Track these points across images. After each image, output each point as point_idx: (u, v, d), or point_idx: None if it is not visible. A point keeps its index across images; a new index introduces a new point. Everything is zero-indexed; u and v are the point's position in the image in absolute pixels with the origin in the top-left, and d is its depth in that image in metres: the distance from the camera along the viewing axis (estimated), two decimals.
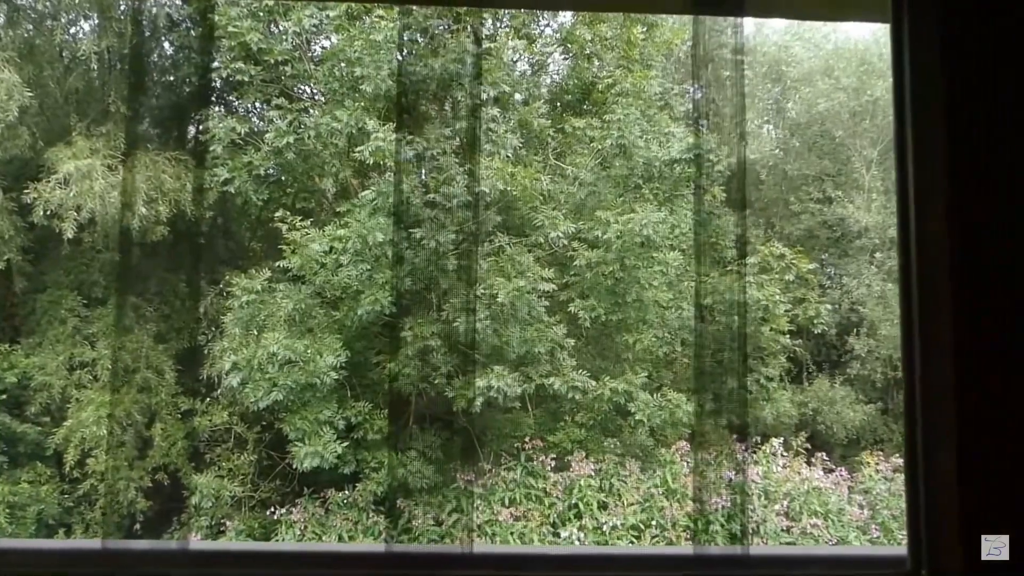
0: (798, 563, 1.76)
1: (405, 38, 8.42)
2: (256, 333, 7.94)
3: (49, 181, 8.20)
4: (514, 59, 9.49)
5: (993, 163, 1.55)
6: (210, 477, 8.02)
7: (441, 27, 8.61)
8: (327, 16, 8.43)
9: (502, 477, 7.96)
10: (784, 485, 7.99)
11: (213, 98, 9.75)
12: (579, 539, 7.38)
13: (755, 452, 8.38)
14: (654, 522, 7.54)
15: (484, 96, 8.34)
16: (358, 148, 7.89)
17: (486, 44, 8.71)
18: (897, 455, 8.64)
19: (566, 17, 9.68)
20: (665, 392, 8.15)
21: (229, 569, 1.64)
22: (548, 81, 10.26)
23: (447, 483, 8.03)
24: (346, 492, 7.88)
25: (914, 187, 1.59)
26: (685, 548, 7.17)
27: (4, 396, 8.54)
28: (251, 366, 7.63)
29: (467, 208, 8.05)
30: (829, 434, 10.10)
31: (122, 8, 9.29)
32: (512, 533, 7.46)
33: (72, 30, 9.47)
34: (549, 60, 10.10)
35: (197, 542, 7.35)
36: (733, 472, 7.80)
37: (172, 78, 10.01)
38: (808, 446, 8.67)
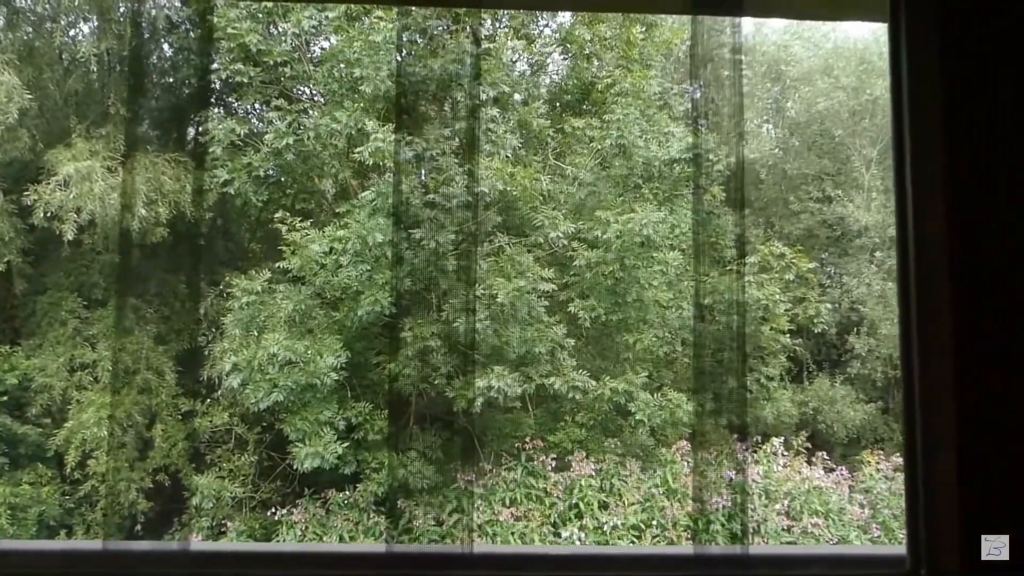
0: (798, 562, 1.76)
1: (404, 39, 8.42)
2: (256, 334, 7.94)
3: (49, 183, 8.20)
4: (513, 59, 9.49)
5: (992, 163, 1.55)
6: (211, 478, 8.02)
7: (440, 28, 8.61)
8: (326, 17, 8.43)
9: (502, 477, 7.96)
10: (785, 484, 7.99)
11: (212, 100, 9.75)
12: (580, 539, 7.38)
13: (756, 451, 8.38)
14: (655, 522, 7.54)
15: (483, 96, 8.34)
16: (357, 149, 7.89)
17: (485, 44, 8.71)
18: (898, 454, 8.63)
19: (565, 17, 9.69)
20: (665, 392, 8.15)
21: (230, 570, 1.65)
22: (547, 81, 10.27)
23: (447, 483, 8.03)
24: (347, 493, 7.88)
25: (912, 187, 1.60)
26: (685, 548, 7.17)
27: (5, 398, 8.54)
28: (251, 367, 7.63)
29: (467, 208, 8.05)
30: (830, 433, 10.11)
31: (121, 10, 9.30)
32: (513, 533, 7.46)
33: (72, 32, 9.47)
34: (548, 60, 10.10)
35: (198, 543, 7.35)
36: (733, 472, 7.80)
37: (171, 80, 10.01)
38: (808, 445, 8.67)
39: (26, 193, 8.24)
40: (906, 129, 1.61)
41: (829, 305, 9.73)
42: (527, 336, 7.82)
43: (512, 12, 9.25)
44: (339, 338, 7.95)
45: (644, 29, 9.62)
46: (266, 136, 8.22)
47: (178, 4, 9.63)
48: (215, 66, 8.64)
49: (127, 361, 8.59)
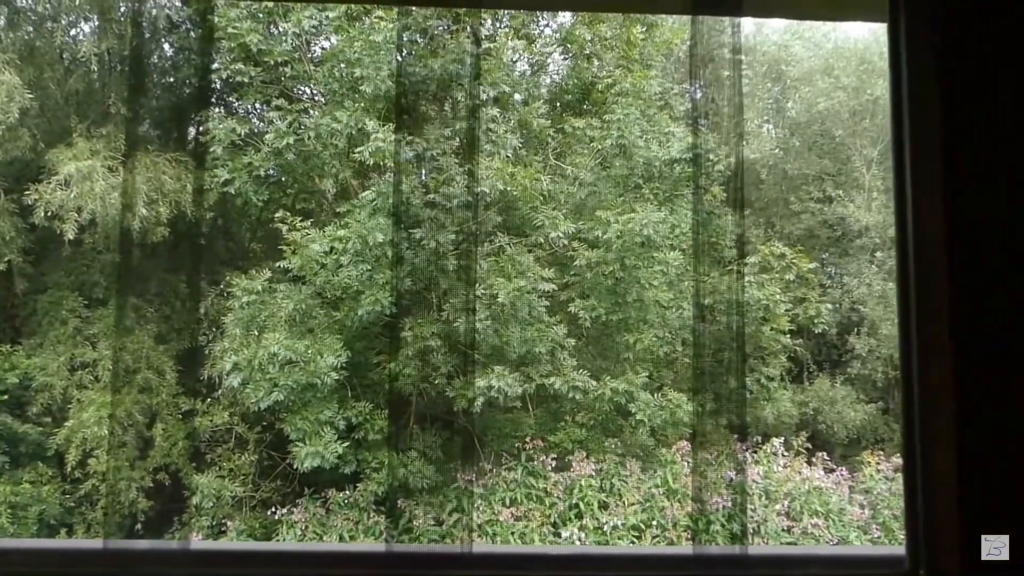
0: (797, 563, 1.76)
1: (404, 39, 8.43)
2: (257, 333, 7.94)
3: (50, 182, 8.21)
4: (514, 59, 9.49)
5: (991, 163, 1.55)
6: (211, 477, 8.03)
7: (440, 28, 8.61)
8: (326, 17, 8.43)
9: (503, 477, 7.96)
10: (785, 485, 7.99)
11: (213, 99, 9.76)
12: (580, 539, 7.38)
13: (756, 452, 8.38)
14: (655, 522, 7.54)
15: (484, 96, 8.35)
16: (358, 149, 7.90)
17: (485, 44, 8.71)
18: (898, 455, 8.63)
19: (566, 17, 9.69)
20: (666, 392, 8.15)
21: (230, 569, 1.65)
22: (548, 81, 10.27)
23: (448, 483, 8.04)
24: (347, 492, 7.88)
25: (912, 187, 1.60)
26: (685, 548, 7.17)
27: (6, 397, 8.55)
28: (252, 366, 7.64)
29: (467, 208, 8.05)
30: (830, 434, 10.10)
31: (122, 10, 9.30)
32: (513, 533, 7.46)
33: (72, 32, 9.48)
34: (549, 60, 10.10)
35: (198, 542, 7.35)
36: (734, 472, 7.80)
37: (172, 79, 10.02)
38: (809, 446, 8.67)
39: (27, 192, 8.25)
40: (905, 129, 1.62)
41: (830, 305, 9.73)
42: (527, 336, 7.82)
43: (512, 12, 9.25)
44: (339, 338, 7.95)
45: (644, 29, 9.62)
46: (267, 136, 8.22)
47: (179, 4, 9.64)
48: (216, 66, 8.65)
49: (128, 360, 8.60)
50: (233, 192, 8.33)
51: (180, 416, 8.65)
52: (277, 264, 8.14)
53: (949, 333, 1.53)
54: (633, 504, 7.65)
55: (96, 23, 9.25)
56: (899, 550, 1.62)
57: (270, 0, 8.37)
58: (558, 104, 9.94)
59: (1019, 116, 1.55)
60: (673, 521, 7.56)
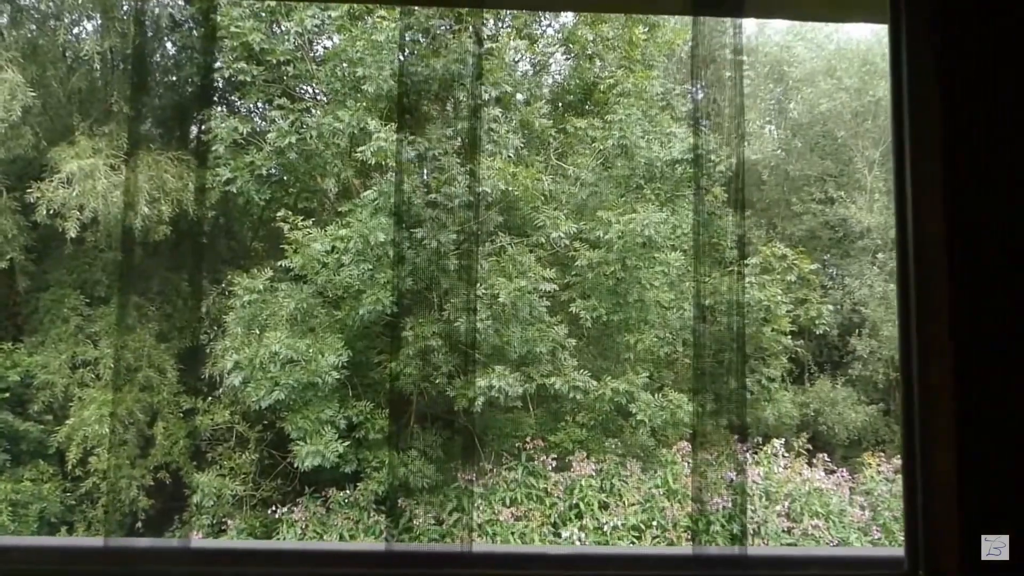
0: (796, 563, 1.76)
1: (407, 38, 8.43)
2: (258, 332, 7.95)
3: (52, 181, 8.22)
4: (516, 59, 9.50)
5: (991, 163, 1.55)
6: (212, 476, 8.03)
7: (443, 27, 8.61)
8: (329, 16, 8.44)
9: (503, 477, 7.96)
10: (785, 486, 7.99)
11: (215, 98, 9.76)
12: (580, 539, 7.38)
13: (756, 453, 8.38)
14: (655, 522, 7.54)
15: (486, 96, 8.35)
16: (360, 148, 7.90)
17: (488, 44, 8.71)
18: (899, 456, 8.60)
19: (568, 17, 9.69)
20: (666, 392, 8.15)
21: (231, 567, 1.65)
22: (550, 81, 10.27)
23: (448, 483, 8.04)
24: (347, 491, 7.88)
25: (912, 187, 1.60)
26: (685, 548, 7.17)
27: (7, 394, 8.56)
28: (253, 365, 7.64)
29: (468, 208, 8.05)
30: (831, 435, 10.09)
31: (125, 8, 9.31)
32: (513, 533, 7.46)
33: (75, 30, 9.49)
34: (551, 60, 10.10)
35: (199, 540, 7.36)
36: (734, 473, 7.80)
37: (174, 78, 10.03)
38: (809, 447, 8.66)
39: (29, 190, 8.26)
40: (906, 130, 1.62)
41: (831, 306, 9.72)
42: (528, 336, 7.82)
43: (515, 12, 9.25)
44: (340, 337, 7.96)
45: (646, 29, 9.62)
46: (269, 135, 8.23)
47: (181, 2, 9.65)
48: (218, 64, 8.66)
49: (129, 359, 8.61)
50: (235, 191, 8.34)
51: (181, 414, 8.66)
52: (279, 263, 8.14)
53: (949, 333, 1.53)
54: (633, 504, 7.65)
55: (99, 21, 9.26)
56: (898, 551, 1.62)
57: None
58: (560, 104, 9.94)
59: (1019, 116, 1.55)
60: (673, 522, 7.56)
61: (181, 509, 8.38)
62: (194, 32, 9.71)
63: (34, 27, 9.23)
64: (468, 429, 8.33)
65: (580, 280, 8.43)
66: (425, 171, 8.38)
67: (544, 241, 8.33)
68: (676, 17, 9.47)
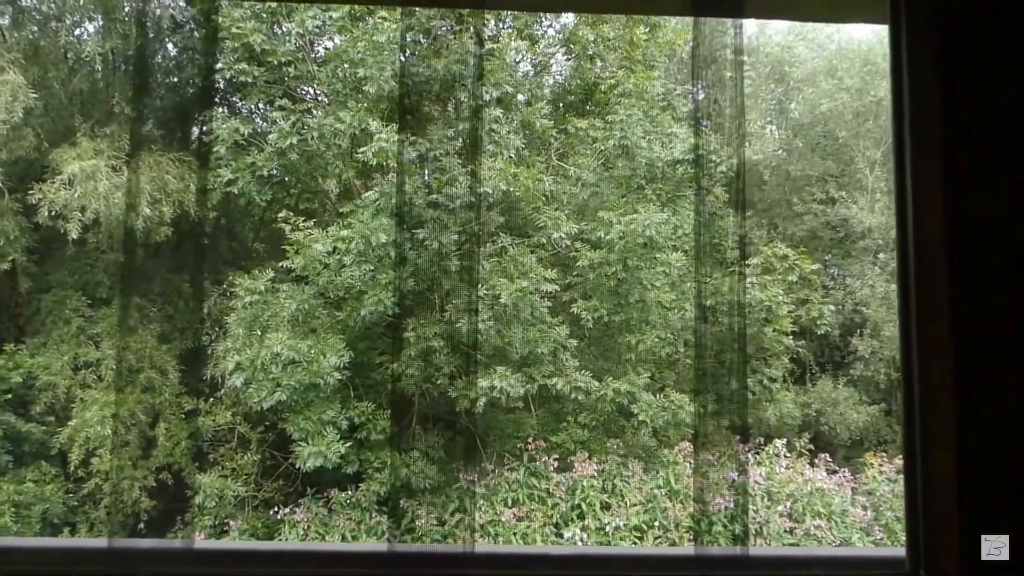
0: (797, 564, 1.77)
1: (408, 39, 8.44)
2: (259, 333, 7.96)
3: (54, 182, 8.23)
4: (517, 60, 9.50)
5: (991, 163, 1.56)
6: (214, 477, 8.04)
7: (444, 28, 8.62)
8: (330, 17, 8.45)
9: (505, 477, 7.96)
10: (787, 486, 7.98)
11: (217, 99, 9.77)
12: (582, 540, 7.38)
13: (758, 453, 8.37)
14: (657, 523, 7.54)
15: (487, 97, 8.35)
16: (361, 149, 7.91)
17: (489, 45, 8.72)
18: (901, 456, 8.60)
19: (568, 18, 9.69)
20: (668, 393, 8.15)
21: (233, 568, 1.66)
22: (551, 82, 10.27)
23: (450, 483, 8.04)
24: (349, 492, 7.89)
25: (912, 187, 1.60)
26: (687, 549, 7.17)
27: (9, 396, 8.57)
28: (254, 366, 7.65)
29: (470, 209, 8.06)
30: (832, 435, 10.09)
31: (126, 10, 9.32)
32: (515, 533, 7.46)
33: (77, 32, 9.51)
34: (552, 61, 10.11)
35: (202, 541, 7.37)
36: (736, 473, 7.80)
37: (176, 79, 10.04)
38: (811, 447, 8.65)
39: (31, 192, 8.27)
40: (906, 130, 1.62)
41: (832, 307, 9.71)
42: (530, 336, 7.83)
43: (515, 13, 9.25)
44: (342, 338, 7.97)
45: (647, 30, 9.62)
46: (270, 136, 8.24)
47: (183, 4, 9.66)
48: (219, 66, 8.67)
49: (131, 360, 8.62)
50: (236, 192, 8.35)
51: (183, 416, 8.67)
52: (280, 264, 8.15)
53: (949, 333, 1.53)
54: (635, 505, 7.65)
55: (100, 23, 9.28)
56: (900, 551, 1.62)
57: (274, 0, 8.38)
58: (561, 105, 9.94)
59: (1019, 116, 1.55)
60: (675, 522, 7.56)
61: (183, 510, 8.39)
62: (195, 33, 9.72)
63: (36, 28, 9.25)
64: (470, 430, 8.33)
65: (581, 281, 8.43)
66: (426, 172, 8.38)
67: (545, 242, 8.33)
68: (677, 17, 9.47)
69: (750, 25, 12.30)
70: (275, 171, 8.60)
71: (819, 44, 12.43)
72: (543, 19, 9.73)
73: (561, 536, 7.48)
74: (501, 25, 9.46)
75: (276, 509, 7.93)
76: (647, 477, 7.95)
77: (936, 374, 1.55)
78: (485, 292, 7.85)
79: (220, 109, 9.74)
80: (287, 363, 7.62)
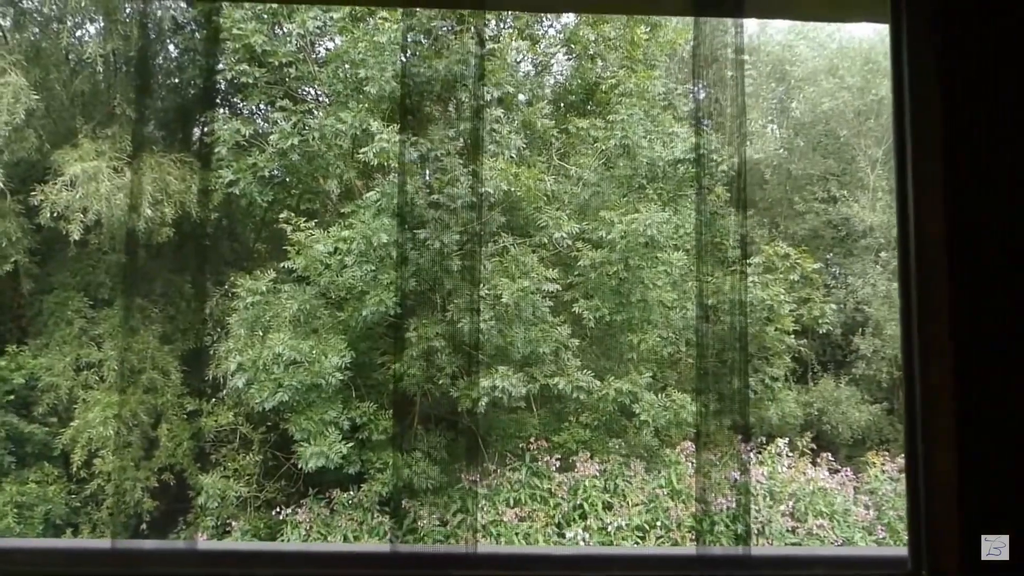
0: (800, 563, 1.77)
1: (409, 40, 8.44)
2: (261, 334, 7.96)
3: (55, 183, 8.25)
4: (518, 60, 9.50)
5: (991, 163, 1.56)
6: (216, 477, 8.05)
7: (444, 29, 8.62)
8: (331, 18, 8.46)
9: (507, 477, 7.96)
10: (789, 486, 7.98)
11: (218, 100, 9.78)
12: (584, 540, 7.38)
13: (760, 453, 8.37)
14: (659, 523, 7.54)
15: (488, 97, 8.36)
16: (362, 149, 7.91)
17: (490, 45, 8.72)
18: (903, 455, 8.59)
19: (569, 18, 9.69)
20: (669, 392, 8.15)
21: (235, 569, 1.66)
22: (552, 82, 10.27)
23: (452, 483, 8.04)
24: (351, 492, 7.90)
25: (913, 187, 1.60)
26: (689, 548, 7.17)
27: (12, 397, 8.59)
28: (256, 367, 7.66)
29: (471, 209, 8.06)
30: (834, 434, 10.08)
31: (127, 11, 9.33)
32: (517, 534, 7.46)
33: (78, 33, 9.52)
34: (553, 61, 10.11)
35: (204, 542, 7.38)
36: (738, 473, 7.80)
37: (177, 80, 10.05)
38: (813, 446, 8.65)
39: (33, 193, 8.29)
40: (907, 129, 1.62)
41: (834, 305, 9.71)
42: (531, 336, 7.83)
43: (516, 13, 9.25)
44: (344, 338, 7.97)
45: (648, 29, 9.62)
46: (271, 136, 8.25)
47: (184, 5, 9.67)
48: (220, 67, 8.68)
49: (133, 361, 8.63)
50: (238, 193, 8.36)
51: (185, 416, 8.68)
52: (282, 265, 8.16)
53: (949, 333, 1.53)
54: (637, 505, 7.65)
55: (101, 24, 9.28)
56: (902, 551, 1.62)
57: (275, 1, 8.39)
58: (562, 104, 9.94)
59: (1020, 116, 1.55)
60: (677, 522, 7.56)
61: (185, 511, 8.40)
62: (196, 34, 9.73)
63: (37, 30, 9.27)
64: (472, 430, 8.33)
65: (583, 280, 8.43)
66: (427, 172, 8.39)
67: (547, 241, 8.33)
68: (678, 17, 9.47)
69: (751, 24, 12.30)
70: (276, 172, 8.61)
71: (820, 43, 12.42)
72: (544, 19, 9.73)
73: (563, 536, 7.48)
74: (502, 25, 9.46)
75: (278, 510, 7.94)
76: (649, 477, 7.95)
77: (936, 374, 1.55)
78: (487, 292, 7.85)
79: (221, 110, 9.75)
80: (289, 363, 7.63)
